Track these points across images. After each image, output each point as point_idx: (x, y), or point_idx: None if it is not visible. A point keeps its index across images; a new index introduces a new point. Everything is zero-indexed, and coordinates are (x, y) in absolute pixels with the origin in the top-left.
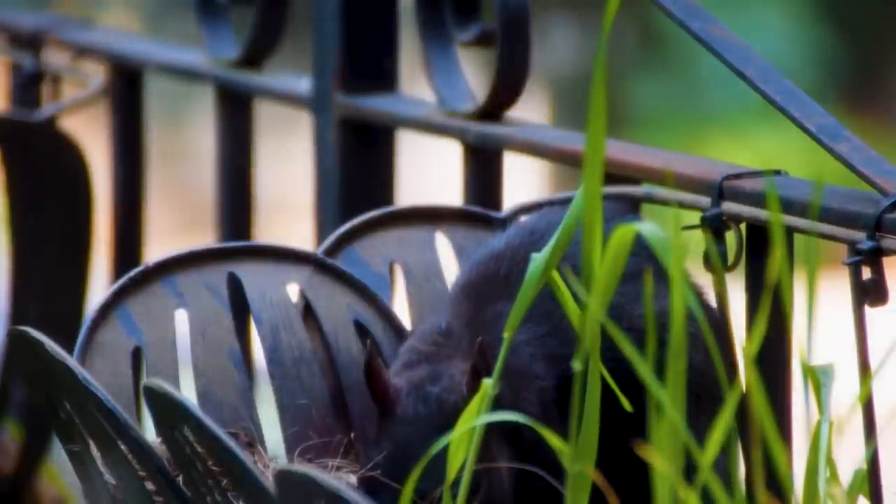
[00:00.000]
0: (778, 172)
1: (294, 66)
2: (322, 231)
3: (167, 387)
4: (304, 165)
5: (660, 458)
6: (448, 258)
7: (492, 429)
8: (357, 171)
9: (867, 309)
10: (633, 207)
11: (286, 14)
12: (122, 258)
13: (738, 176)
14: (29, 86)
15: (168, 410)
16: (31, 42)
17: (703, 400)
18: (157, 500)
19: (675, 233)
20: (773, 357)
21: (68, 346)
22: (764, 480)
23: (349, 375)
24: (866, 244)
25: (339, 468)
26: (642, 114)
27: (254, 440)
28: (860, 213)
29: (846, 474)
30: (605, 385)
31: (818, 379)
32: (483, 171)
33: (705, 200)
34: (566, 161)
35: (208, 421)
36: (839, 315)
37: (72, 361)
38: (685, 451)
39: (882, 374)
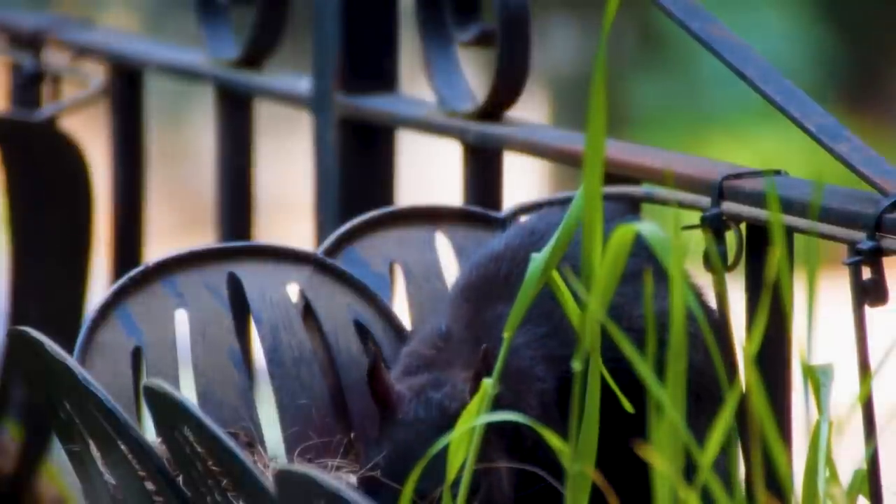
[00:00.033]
0: (778, 172)
1: (294, 66)
2: (322, 231)
3: (167, 387)
4: (304, 165)
5: (660, 458)
6: (448, 258)
7: (492, 429)
8: (357, 171)
9: (867, 309)
10: (633, 207)
11: (286, 14)
12: (122, 258)
13: (738, 176)
14: (29, 86)
15: (168, 410)
16: (31, 42)
17: (703, 400)
18: (157, 500)
19: (675, 233)
20: (773, 357)
21: (68, 346)
22: (764, 480)
23: (349, 375)
24: (866, 244)
25: (339, 468)
26: (642, 114)
27: (254, 440)
28: (860, 213)
29: (846, 474)
30: (605, 385)
31: (818, 379)
32: (483, 171)
33: (705, 200)
34: (566, 161)
35: (208, 421)
36: (839, 315)
37: (72, 361)
38: (685, 451)
39: (882, 374)
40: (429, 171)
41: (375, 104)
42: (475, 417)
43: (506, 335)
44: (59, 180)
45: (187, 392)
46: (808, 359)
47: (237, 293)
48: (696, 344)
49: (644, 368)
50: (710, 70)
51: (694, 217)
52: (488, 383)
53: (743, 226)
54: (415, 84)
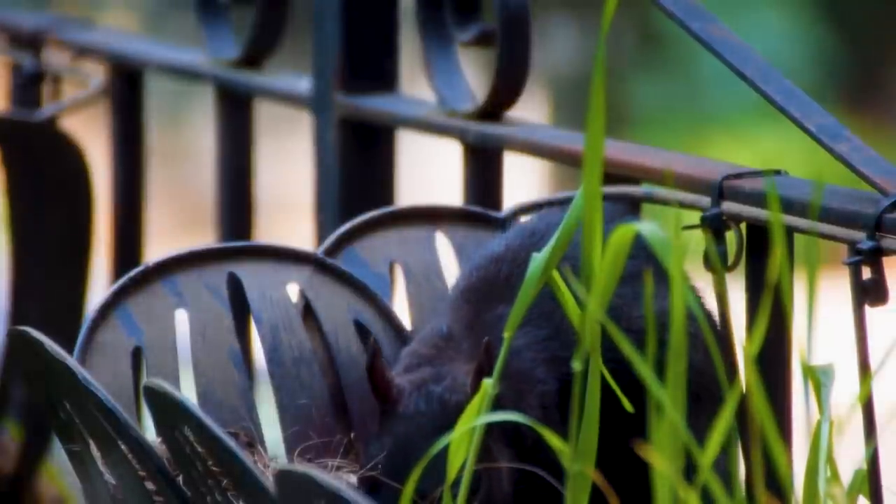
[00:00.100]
0: (778, 172)
1: (294, 66)
2: (322, 231)
3: (167, 387)
4: (304, 165)
5: (660, 458)
6: (448, 258)
7: (492, 429)
8: (357, 171)
9: (867, 309)
10: (633, 207)
11: (286, 14)
12: (122, 258)
13: (738, 176)
14: (29, 86)
15: (168, 410)
16: (31, 42)
17: (702, 400)
18: (157, 500)
19: (675, 233)
20: (773, 357)
21: (68, 346)
22: (764, 480)
23: (349, 375)
24: (866, 244)
25: (339, 468)
26: (642, 114)
27: (254, 440)
28: (860, 212)
29: (846, 474)
30: (605, 385)
31: (818, 379)
32: (483, 171)
33: (705, 200)
34: (566, 161)
35: (208, 421)
36: (839, 315)
37: (72, 361)
38: (685, 451)
39: (882, 374)
40: (429, 171)
41: (375, 104)
42: (476, 417)
43: (506, 335)
44: (59, 180)
45: (187, 392)
46: (808, 359)
47: (237, 293)
48: (695, 344)
49: (644, 369)
50: (710, 70)
51: (694, 217)
52: (488, 383)
53: (743, 226)
54: (415, 84)
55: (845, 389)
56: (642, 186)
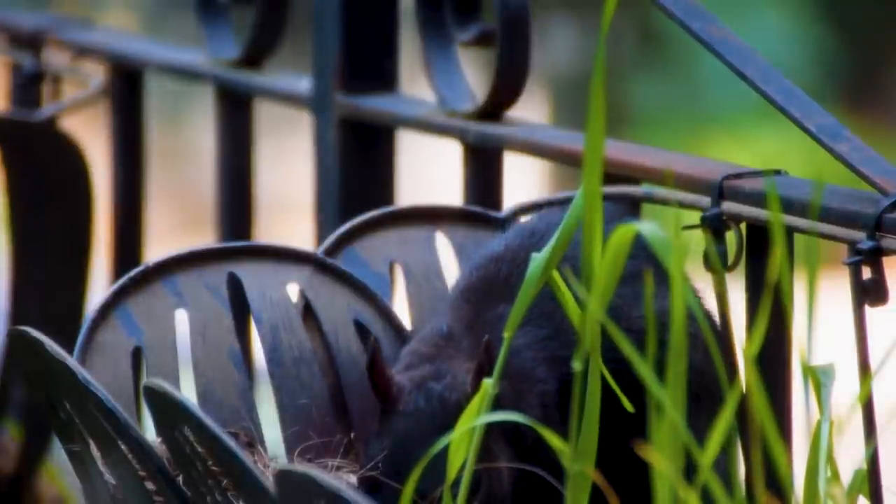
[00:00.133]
0: (778, 172)
1: (294, 66)
2: (322, 231)
3: (167, 387)
4: (304, 165)
5: (660, 458)
6: (448, 258)
7: (492, 429)
8: (357, 171)
9: (867, 309)
10: (633, 207)
11: (286, 14)
12: (122, 258)
13: (738, 176)
14: (29, 86)
15: (168, 410)
16: (31, 42)
17: (702, 400)
18: (157, 500)
19: (675, 233)
20: (773, 357)
21: (68, 346)
22: (764, 480)
23: (349, 375)
24: (866, 244)
25: (339, 468)
26: (642, 114)
27: (254, 440)
28: (860, 212)
29: (846, 474)
30: (605, 385)
31: (818, 379)
32: (483, 171)
33: (705, 200)
34: (566, 161)
35: (208, 421)
36: (839, 315)
37: (72, 361)
38: (685, 451)
39: (882, 374)
40: (429, 171)
41: (375, 104)
42: (476, 416)
43: (506, 335)
44: (59, 180)
45: (187, 392)
46: (808, 359)
47: (237, 293)
48: (695, 344)
49: (644, 369)
50: (710, 70)
51: (694, 217)
52: (488, 383)
53: (743, 226)
54: (415, 84)
55: (845, 389)
56: (642, 186)
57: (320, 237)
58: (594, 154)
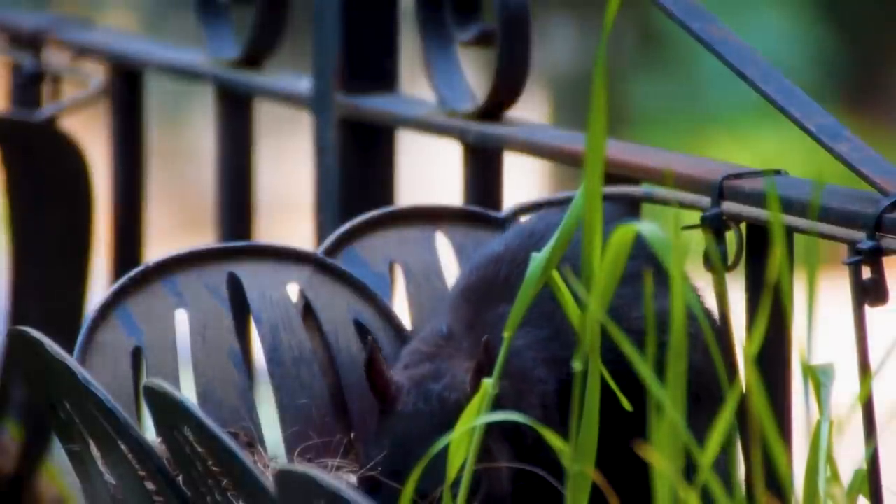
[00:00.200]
0: (778, 172)
1: (294, 66)
2: (322, 231)
3: (167, 387)
4: (304, 165)
5: (660, 458)
6: (448, 258)
7: (492, 429)
8: (357, 171)
9: (867, 309)
10: (633, 207)
11: (286, 14)
12: (122, 258)
13: (738, 176)
14: (29, 86)
15: (168, 410)
16: (31, 42)
17: (702, 400)
18: (157, 500)
19: (675, 233)
20: (773, 357)
21: (68, 346)
22: (764, 480)
23: (349, 375)
24: (866, 244)
25: (339, 468)
26: (642, 114)
27: (254, 440)
28: (860, 212)
29: (846, 474)
30: (605, 386)
31: (818, 379)
32: (483, 171)
33: (705, 200)
34: (566, 161)
35: (208, 421)
36: (839, 315)
37: (72, 361)
38: (685, 451)
39: (882, 374)
40: (429, 171)
41: (375, 104)
42: (475, 416)
43: (506, 335)
44: (59, 180)
45: (187, 392)
46: (808, 359)
47: (237, 293)
48: (695, 344)
49: (644, 369)
50: (710, 70)
51: (694, 217)
52: (488, 383)
53: (743, 226)
54: (415, 84)
55: (845, 389)
56: (642, 186)
57: (320, 237)
58: (594, 154)
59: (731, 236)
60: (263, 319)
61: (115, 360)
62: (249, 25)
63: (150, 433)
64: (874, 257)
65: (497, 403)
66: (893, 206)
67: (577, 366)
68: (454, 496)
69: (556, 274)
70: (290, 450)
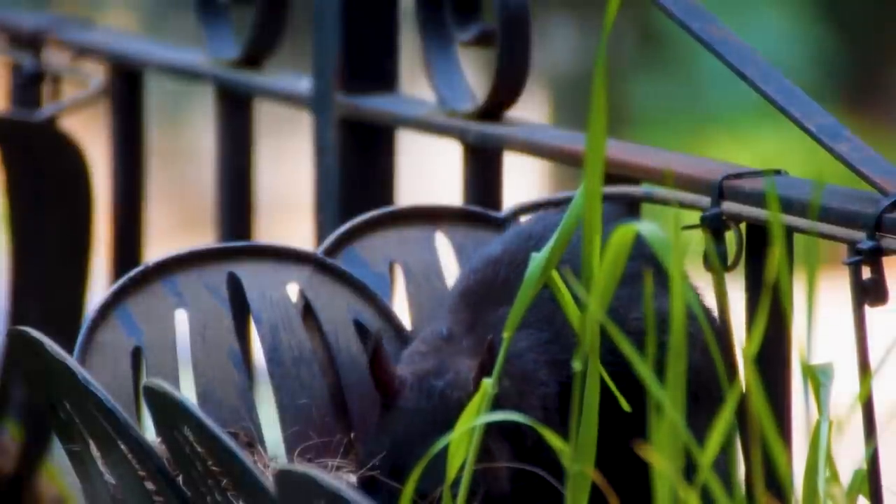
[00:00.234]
0: (778, 172)
1: (294, 66)
2: (322, 231)
3: (167, 387)
4: (304, 165)
5: (660, 458)
6: (448, 258)
7: (492, 429)
8: (357, 171)
9: (867, 309)
10: (632, 208)
11: (286, 14)
12: (122, 258)
13: (738, 176)
14: (29, 86)
15: (168, 410)
16: (31, 42)
17: (701, 400)
18: (157, 500)
19: (675, 233)
20: (773, 357)
21: (68, 346)
22: (764, 480)
23: (349, 375)
24: (866, 244)
25: (339, 468)
26: (642, 114)
27: (254, 440)
28: (860, 212)
29: (846, 474)
30: (604, 386)
31: (818, 379)
32: (483, 171)
33: (705, 200)
34: (566, 161)
35: (208, 421)
36: (839, 315)
37: (72, 361)
38: (685, 451)
39: (882, 374)
40: (429, 171)
41: (375, 104)
42: (476, 416)
43: (505, 335)
44: (59, 180)
45: (187, 392)
46: (808, 359)
47: (237, 293)
48: (694, 344)
49: (644, 369)
50: (710, 70)
51: (694, 217)
52: (488, 382)
53: (743, 226)
54: (415, 84)
55: (845, 389)
56: (642, 186)
57: (320, 237)
58: (594, 154)
59: (730, 236)
60: (263, 319)
61: (114, 360)
62: (249, 25)
63: (150, 433)
64: (874, 257)
65: (498, 404)
66: (893, 206)
67: (576, 366)
68: (454, 496)
69: (555, 274)
70: (290, 450)
